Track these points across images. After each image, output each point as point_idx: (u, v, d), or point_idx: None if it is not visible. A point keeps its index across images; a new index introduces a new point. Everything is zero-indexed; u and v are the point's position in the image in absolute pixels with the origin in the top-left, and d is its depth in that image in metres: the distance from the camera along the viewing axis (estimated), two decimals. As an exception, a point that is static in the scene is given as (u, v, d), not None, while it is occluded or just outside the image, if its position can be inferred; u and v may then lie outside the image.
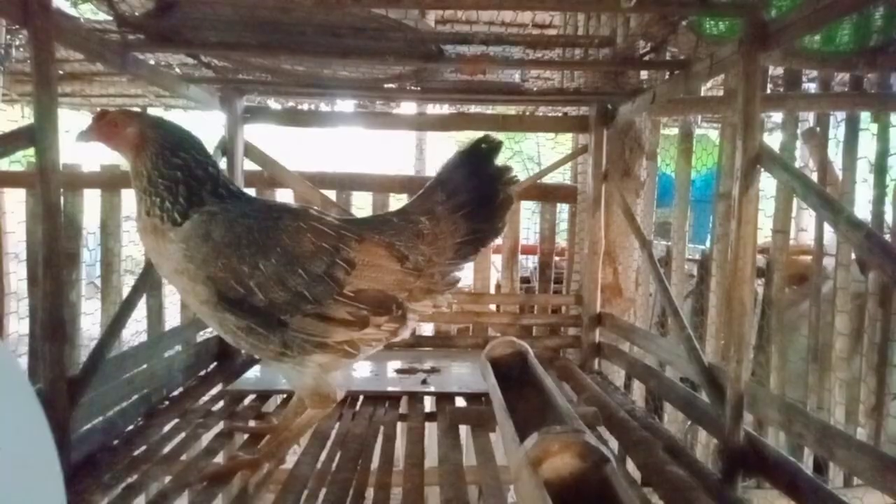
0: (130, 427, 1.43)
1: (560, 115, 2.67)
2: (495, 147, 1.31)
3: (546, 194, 2.42)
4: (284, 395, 1.68)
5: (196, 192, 1.15)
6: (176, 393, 1.68)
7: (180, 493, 1.15)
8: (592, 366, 2.11)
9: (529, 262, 3.44)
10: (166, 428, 1.44)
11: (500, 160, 1.31)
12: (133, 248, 2.55)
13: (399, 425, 1.51)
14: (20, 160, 2.45)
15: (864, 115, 2.34)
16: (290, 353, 1.15)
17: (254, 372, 1.84)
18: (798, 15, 1.07)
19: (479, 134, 1.34)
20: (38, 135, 1.11)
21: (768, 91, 2.76)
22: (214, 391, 1.73)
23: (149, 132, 1.15)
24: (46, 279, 1.12)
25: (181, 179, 1.14)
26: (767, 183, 1.79)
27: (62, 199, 1.20)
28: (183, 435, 1.41)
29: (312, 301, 1.13)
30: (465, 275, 2.60)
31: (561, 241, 2.55)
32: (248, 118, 2.08)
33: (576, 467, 0.88)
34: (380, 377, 1.87)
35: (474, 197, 1.27)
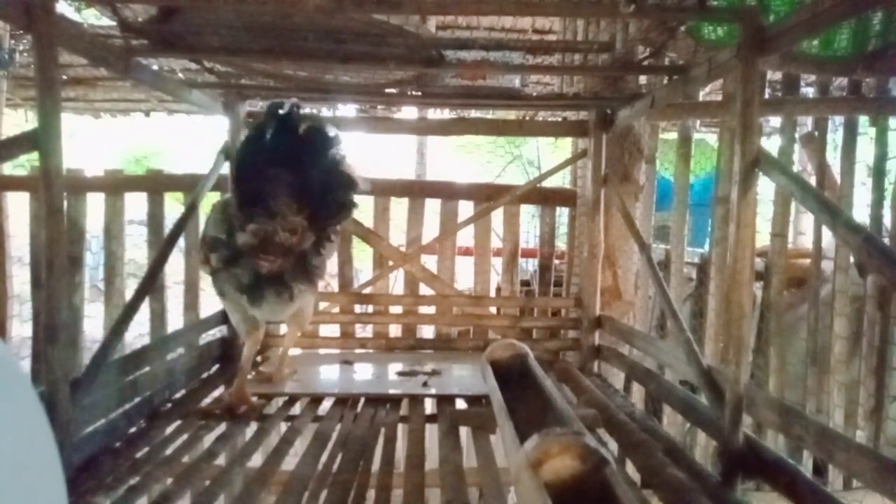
0: (133, 429, 1.44)
1: (559, 119, 2.68)
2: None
3: (546, 198, 2.43)
4: (286, 398, 1.68)
5: None
6: (178, 395, 1.69)
7: (182, 495, 1.15)
8: (592, 368, 2.11)
9: (529, 266, 3.45)
10: (168, 430, 1.45)
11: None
12: (135, 252, 2.56)
13: (400, 427, 1.52)
14: (24, 164, 2.47)
15: (863, 120, 2.35)
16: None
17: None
18: (796, 20, 1.08)
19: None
20: (42, 139, 1.12)
21: (766, 96, 2.77)
22: (216, 393, 1.73)
23: None
24: (49, 282, 1.13)
25: None
26: (766, 187, 1.81)
27: (65, 202, 1.21)
28: (185, 437, 1.41)
29: None
30: (466, 278, 2.63)
31: (561, 244, 2.56)
32: (250, 122, 2.09)
33: (576, 469, 0.88)
34: (381, 379, 1.88)
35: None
